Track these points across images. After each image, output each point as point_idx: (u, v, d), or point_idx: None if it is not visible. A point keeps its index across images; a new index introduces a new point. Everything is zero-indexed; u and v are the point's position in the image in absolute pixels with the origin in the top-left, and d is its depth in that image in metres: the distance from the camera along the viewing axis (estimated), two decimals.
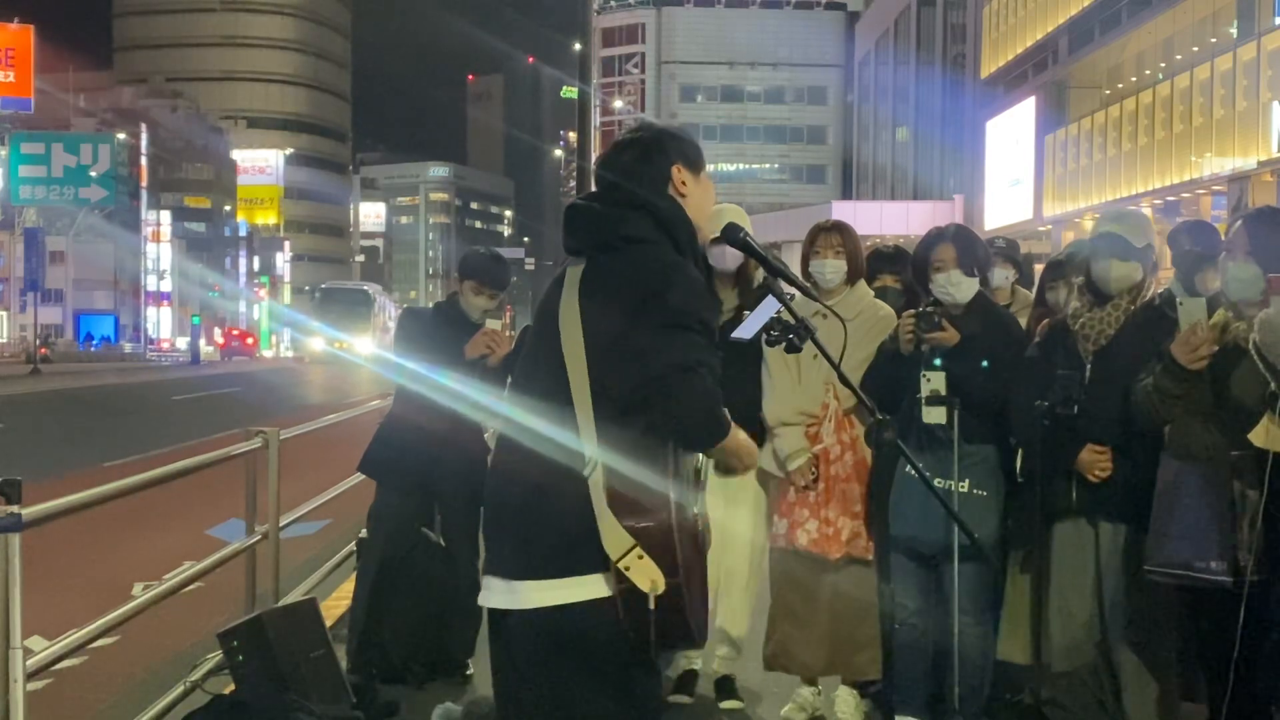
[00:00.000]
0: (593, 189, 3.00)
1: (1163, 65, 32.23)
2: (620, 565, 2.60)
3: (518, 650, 2.77)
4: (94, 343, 69.78)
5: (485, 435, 5.71)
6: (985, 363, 4.55)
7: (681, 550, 2.65)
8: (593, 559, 2.64)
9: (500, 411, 5.38)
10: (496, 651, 2.87)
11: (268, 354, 76.77)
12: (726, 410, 2.76)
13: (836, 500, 4.85)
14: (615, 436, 2.66)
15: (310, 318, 63.57)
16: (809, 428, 4.91)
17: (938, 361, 4.55)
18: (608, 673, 2.71)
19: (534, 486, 2.71)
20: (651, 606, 2.60)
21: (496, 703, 2.91)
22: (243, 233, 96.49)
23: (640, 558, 2.60)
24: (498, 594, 2.79)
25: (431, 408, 5.33)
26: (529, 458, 2.73)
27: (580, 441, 2.66)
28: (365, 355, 49.60)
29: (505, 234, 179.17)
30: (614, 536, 2.61)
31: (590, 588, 2.66)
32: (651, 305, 2.67)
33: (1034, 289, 5.89)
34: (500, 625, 2.83)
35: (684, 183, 2.90)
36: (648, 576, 2.60)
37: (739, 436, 2.83)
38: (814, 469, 4.88)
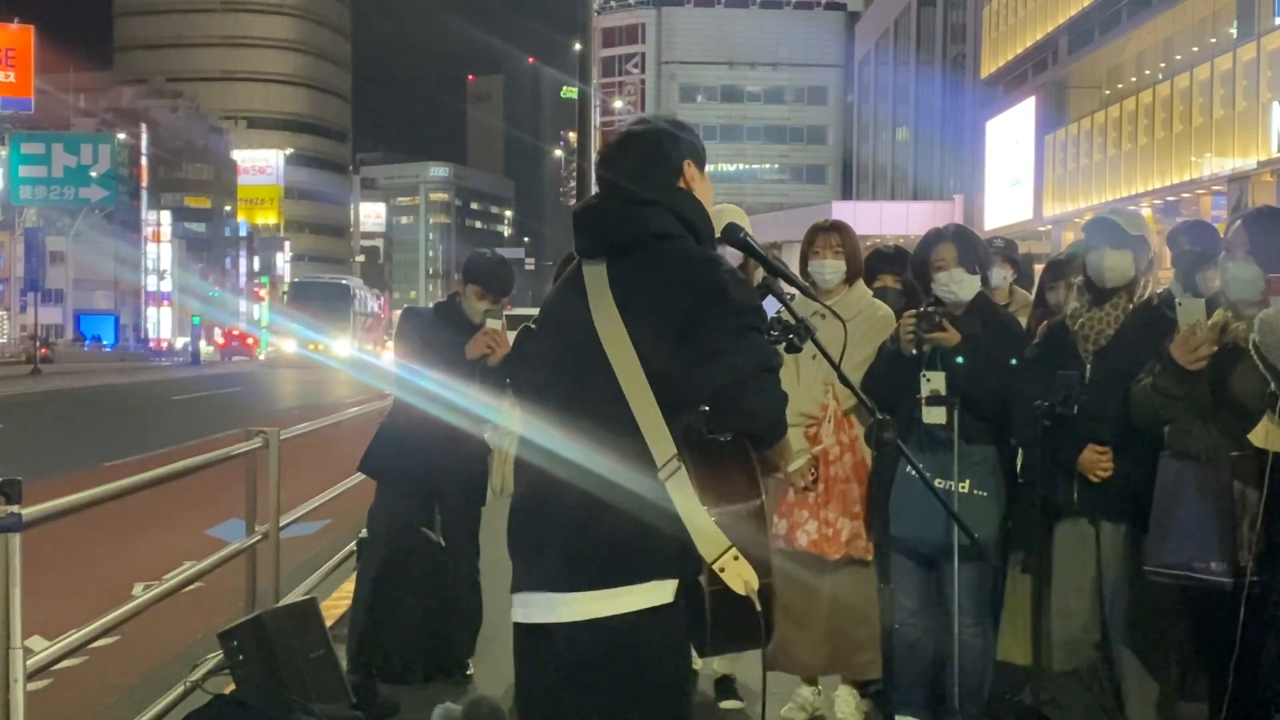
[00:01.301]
0: (594, 185, 2.94)
1: (1163, 65, 32.24)
2: (716, 566, 2.52)
3: (564, 664, 2.65)
4: (85, 343, 69.25)
5: (485, 436, 5.70)
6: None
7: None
8: (652, 565, 2.57)
9: (498, 415, 5.42)
10: (529, 668, 2.75)
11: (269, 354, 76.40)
12: None
13: (836, 501, 4.85)
14: (688, 436, 2.59)
15: (285, 317, 57.27)
16: (808, 429, 4.91)
17: (960, 360, 4.54)
18: (661, 681, 2.63)
19: (585, 498, 2.59)
20: (759, 607, 2.53)
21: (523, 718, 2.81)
22: (243, 233, 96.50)
23: (736, 558, 2.53)
24: (538, 609, 2.67)
25: (432, 409, 5.33)
26: (571, 469, 2.63)
27: (645, 445, 2.57)
28: (343, 358, 45.28)
29: (505, 234, 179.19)
30: (709, 537, 2.53)
31: (648, 595, 2.58)
32: (713, 304, 2.62)
33: (1033, 289, 5.90)
34: (535, 641, 2.70)
35: (693, 178, 2.85)
36: (742, 578, 2.53)
37: (786, 441, 2.82)
38: (813, 470, 4.88)
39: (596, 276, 2.72)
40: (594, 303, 2.69)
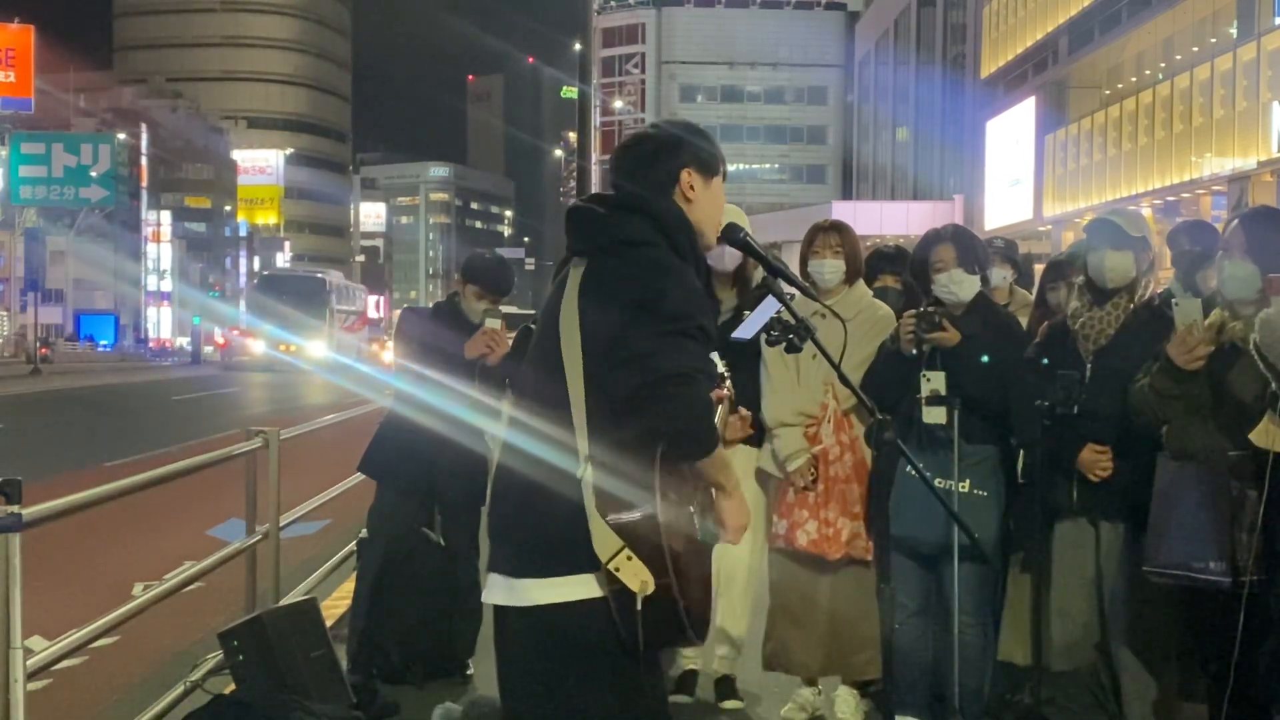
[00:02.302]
0: (601, 186, 2.99)
1: (1163, 65, 32.23)
2: (610, 566, 2.61)
3: (518, 645, 2.79)
4: (78, 343, 68.86)
5: (485, 436, 5.71)
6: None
7: (672, 550, 2.64)
8: (588, 558, 2.65)
9: (497, 415, 5.42)
10: (497, 643, 2.88)
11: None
12: (716, 425, 2.77)
13: (836, 501, 4.85)
14: (607, 437, 2.66)
15: (252, 314, 48.37)
16: (808, 428, 4.91)
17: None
18: (606, 669, 2.71)
19: (531, 486, 2.71)
20: (639, 607, 2.60)
21: (501, 696, 2.92)
22: (243, 233, 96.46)
23: (629, 559, 2.60)
24: (499, 591, 2.80)
25: (431, 408, 5.34)
26: (527, 458, 2.75)
27: (575, 442, 2.67)
28: (318, 360, 40.34)
29: (505, 234, 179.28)
30: (603, 537, 2.62)
31: (587, 586, 2.67)
32: (648, 310, 2.66)
33: (1033, 289, 5.90)
34: (498, 621, 2.85)
35: (693, 187, 2.88)
36: (638, 577, 2.60)
37: (723, 457, 2.80)
38: (813, 470, 4.88)
39: (575, 278, 2.80)
40: (565, 303, 2.78)
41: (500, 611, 2.83)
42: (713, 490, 2.85)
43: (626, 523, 2.63)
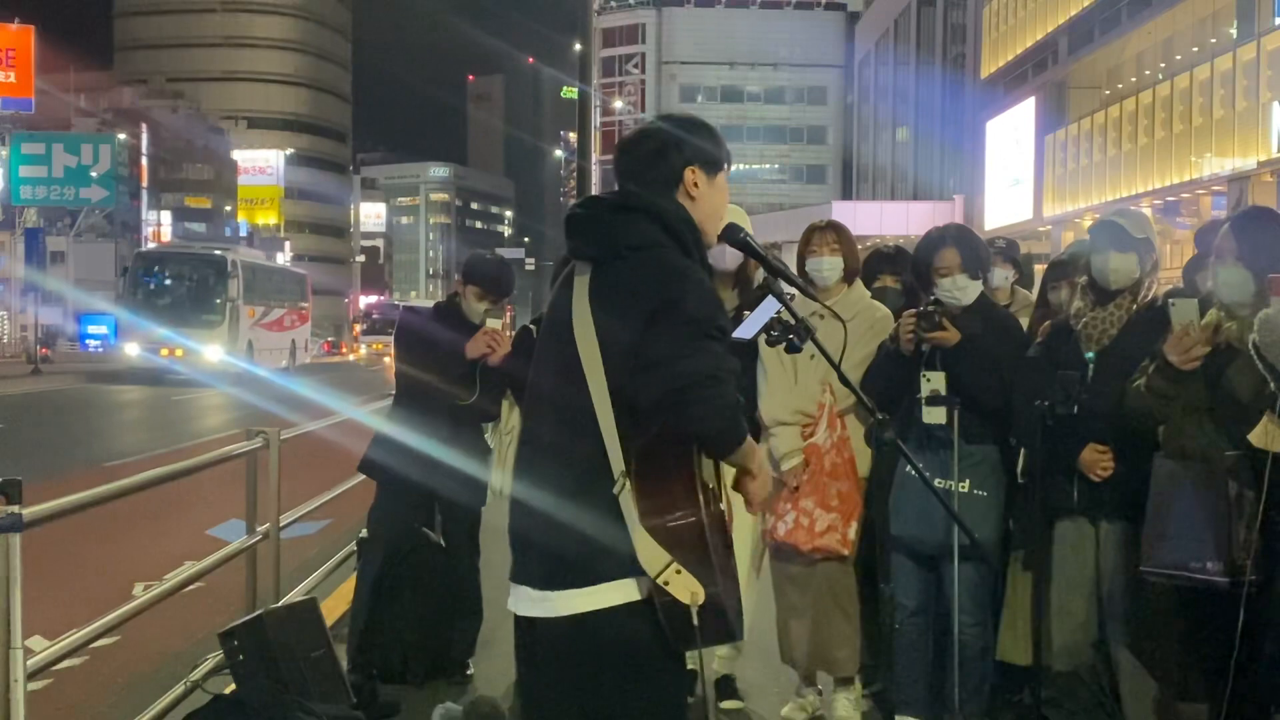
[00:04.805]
0: (602, 186, 2.97)
1: (1163, 65, 32.25)
2: (659, 580, 2.61)
3: (549, 655, 2.77)
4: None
5: (485, 435, 5.71)
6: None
7: (715, 554, 2.65)
8: (622, 565, 2.63)
9: (494, 421, 5.43)
10: (524, 657, 2.86)
11: None
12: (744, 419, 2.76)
13: (815, 494, 4.82)
14: (637, 446, 2.65)
15: (128, 306, 36.12)
16: (805, 427, 4.91)
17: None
18: (642, 672, 2.71)
19: (559, 497, 2.69)
20: (695, 622, 2.61)
21: (524, 705, 2.91)
22: (243, 233, 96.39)
23: (678, 572, 2.60)
24: (528, 603, 2.78)
25: (431, 409, 5.34)
26: (551, 469, 2.72)
27: (606, 453, 2.64)
28: (212, 366, 32.33)
29: (505, 234, 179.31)
30: (650, 553, 2.61)
31: (622, 592, 2.66)
32: (667, 313, 2.64)
33: (1034, 289, 5.90)
34: (524, 631, 2.82)
35: (696, 184, 2.86)
36: (687, 589, 2.61)
37: (752, 445, 2.82)
38: (806, 468, 4.87)
39: (581, 284, 2.77)
40: (576, 310, 2.74)
41: (527, 622, 2.80)
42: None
43: (671, 530, 2.62)
